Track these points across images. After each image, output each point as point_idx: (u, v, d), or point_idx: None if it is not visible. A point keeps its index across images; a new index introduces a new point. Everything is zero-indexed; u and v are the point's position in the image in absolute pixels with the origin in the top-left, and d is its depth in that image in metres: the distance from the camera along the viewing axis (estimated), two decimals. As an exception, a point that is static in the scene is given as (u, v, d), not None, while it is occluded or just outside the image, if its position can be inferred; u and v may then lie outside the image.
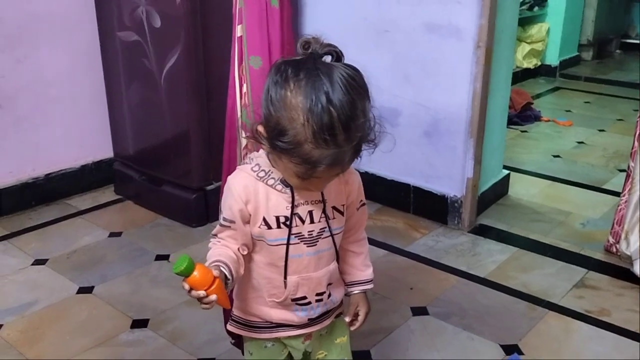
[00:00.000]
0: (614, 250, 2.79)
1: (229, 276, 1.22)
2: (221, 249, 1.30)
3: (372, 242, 2.94)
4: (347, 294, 1.50)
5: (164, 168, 3.17)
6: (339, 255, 1.41)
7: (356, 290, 1.49)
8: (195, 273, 1.12)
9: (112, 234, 3.00)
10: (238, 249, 1.30)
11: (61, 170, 3.36)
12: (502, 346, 2.18)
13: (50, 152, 3.32)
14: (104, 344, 2.20)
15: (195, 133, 2.97)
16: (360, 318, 1.49)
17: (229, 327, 1.46)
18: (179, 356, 2.13)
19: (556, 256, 2.81)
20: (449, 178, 3.07)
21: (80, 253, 2.84)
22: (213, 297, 1.14)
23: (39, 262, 2.75)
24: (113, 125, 3.44)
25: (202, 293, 1.13)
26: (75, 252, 2.84)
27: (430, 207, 3.15)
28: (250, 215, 1.28)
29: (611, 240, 2.80)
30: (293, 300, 1.35)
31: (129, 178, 3.35)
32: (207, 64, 2.90)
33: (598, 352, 2.15)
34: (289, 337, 1.43)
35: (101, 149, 3.51)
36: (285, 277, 1.32)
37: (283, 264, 1.31)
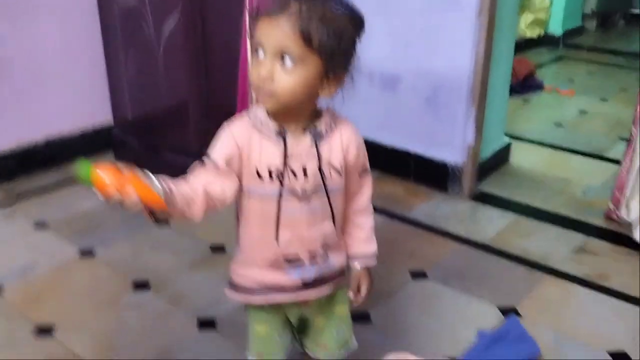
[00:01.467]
0: (614, 217, 2.79)
1: (157, 184, 1.11)
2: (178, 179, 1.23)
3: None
4: (349, 268, 1.48)
5: (163, 135, 3.16)
6: (338, 220, 1.38)
7: (358, 264, 1.47)
8: (98, 172, 1.05)
9: (112, 200, 2.99)
10: (204, 189, 1.23)
11: (61, 136, 3.35)
12: (500, 309, 2.19)
13: (49, 119, 3.30)
14: (106, 306, 2.22)
15: (194, 99, 2.96)
16: (363, 293, 1.48)
17: (227, 292, 1.44)
18: (180, 318, 2.14)
19: (556, 223, 2.82)
20: (449, 145, 3.06)
21: (80, 218, 2.84)
22: (130, 191, 1.06)
23: (39, 226, 2.75)
24: (112, 92, 3.42)
25: (114, 193, 1.06)
26: (76, 217, 2.85)
27: (431, 174, 3.15)
28: (239, 162, 1.26)
29: (611, 207, 2.80)
30: (285, 259, 1.33)
31: (128, 145, 3.34)
32: (206, 28, 2.87)
33: (596, 315, 2.17)
34: (284, 303, 1.42)
35: (100, 116, 3.49)
36: (277, 233, 1.31)
37: (275, 218, 1.30)
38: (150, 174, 1.13)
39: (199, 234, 2.67)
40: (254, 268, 1.38)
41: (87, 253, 2.55)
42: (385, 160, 3.22)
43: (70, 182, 3.19)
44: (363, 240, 1.47)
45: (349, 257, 1.47)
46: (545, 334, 2.05)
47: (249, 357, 1.53)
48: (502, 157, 3.43)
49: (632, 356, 1.96)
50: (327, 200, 1.33)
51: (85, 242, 2.63)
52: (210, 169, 1.27)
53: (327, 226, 1.36)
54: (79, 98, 3.40)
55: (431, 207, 2.98)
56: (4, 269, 2.43)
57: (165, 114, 3.09)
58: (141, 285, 2.33)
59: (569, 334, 2.06)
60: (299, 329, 1.54)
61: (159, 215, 1.15)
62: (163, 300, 2.25)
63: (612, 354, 1.97)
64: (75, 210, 2.90)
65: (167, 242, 2.64)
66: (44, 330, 2.08)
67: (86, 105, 3.44)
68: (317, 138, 1.30)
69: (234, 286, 1.43)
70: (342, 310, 1.52)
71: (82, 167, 1.06)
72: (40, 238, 2.67)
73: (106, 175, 1.06)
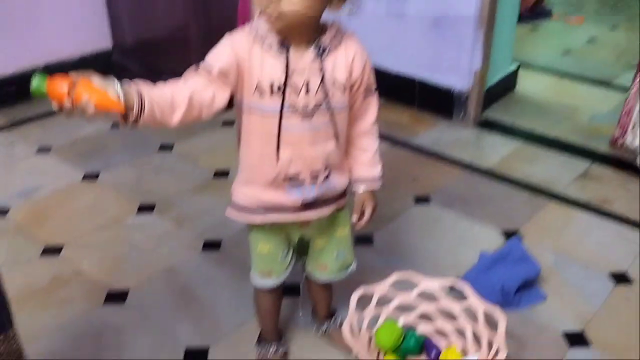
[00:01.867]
0: (620, 143, 2.77)
1: (117, 89, 1.10)
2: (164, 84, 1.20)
3: (375, 135, 2.95)
4: (353, 191, 1.47)
5: (163, 58, 3.11)
6: (341, 140, 1.35)
7: (362, 187, 1.46)
8: (51, 83, 1.04)
9: (114, 124, 2.97)
10: (190, 96, 1.20)
11: (60, 61, 3.29)
12: (502, 232, 2.21)
13: (49, 44, 3.24)
14: (111, 226, 2.24)
15: (193, 21, 2.89)
16: (366, 216, 1.47)
17: (228, 212, 1.44)
18: (185, 239, 2.16)
19: (561, 149, 2.81)
20: (455, 71, 3.01)
21: (83, 142, 2.83)
22: (83, 98, 1.05)
23: (42, 150, 2.75)
24: (111, 16, 3.35)
25: (66, 101, 1.05)
26: (78, 141, 2.84)
27: (436, 101, 3.11)
28: (236, 75, 1.23)
29: (617, 133, 2.77)
30: (286, 178, 1.32)
31: (128, 69, 3.29)
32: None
33: (599, 239, 2.18)
34: (285, 223, 1.41)
35: (100, 40, 3.43)
36: (277, 151, 1.29)
37: (276, 135, 1.27)
38: (114, 80, 1.11)
39: (202, 159, 2.66)
40: (255, 187, 1.36)
41: (90, 176, 2.55)
42: (389, 86, 3.16)
43: (72, 107, 3.16)
44: (367, 163, 1.45)
45: (352, 180, 1.46)
46: (547, 256, 2.07)
47: (253, 277, 1.55)
48: (508, 83, 3.38)
49: (632, 277, 1.98)
50: (330, 119, 1.30)
51: (88, 165, 2.63)
52: (203, 76, 1.24)
53: (330, 146, 1.33)
54: (78, 23, 3.33)
55: (435, 133, 2.96)
56: (9, 191, 2.44)
57: (165, 37, 3.03)
58: (145, 208, 2.34)
59: (570, 256, 2.08)
60: (300, 250, 1.55)
61: (131, 119, 1.13)
62: (167, 222, 2.26)
63: (612, 275, 1.99)
64: (77, 135, 2.88)
65: (169, 167, 2.63)
66: (51, 250, 2.10)
67: (85, 29, 3.37)
68: (321, 53, 1.26)
69: (235, 206, 1.42)
70: (343, 232, 1.53)
71: (37, 80, 1.04)
72: (43, 162, 2.67)
73: (59, 84, 1.05)
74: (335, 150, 1.35)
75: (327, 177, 1.36)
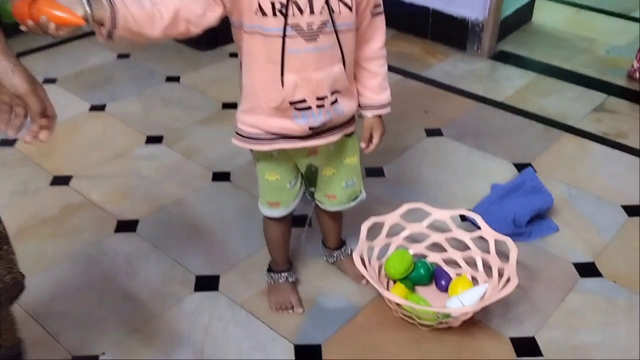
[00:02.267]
0: (637, 76, 2.70)
1: (84, 3, 1.03)
2: None
3: (387, 67, 2.88)
4: (361, 116, 1.43)
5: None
6: (349, 64, 1.29)
7: (370, 113, 1.41)
8: (15, 3, 1.00)
9: (120, 56, 2.92)
10: (176, 9, 1.13)
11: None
12: (515, 165, 2.17)
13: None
14: (120, 157, 2.22)
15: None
16: (375, 141, 1.44)
17: (233, 141, 1.39)
18: (194, 170, 2.15)
19: (577, 81, 2.74)
20: (470, 0, 2.90)
21: (88, 73, 2.78)
22: (42, 16, 1.00)
23: (48, 81, 2.71)
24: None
25: (27, 21, 1.00)
26: (84, 72, 2.79)
27: (449, 32, 3.02)
28: None
29: (635, 65, 2.70)
30: (292, 104, 1.27)
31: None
32: None
33: (612, 171, 2.15)
34: (292, 149, 1.37)
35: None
36: (282, 76, 1.23)
37: (279, 59, 1.21)
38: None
39: (210, 91, 2.62)
40: (260, 115, 1.31)
41: (97, 107, 2.52)
42: (402, 16, 3.06)
43: (78, 37, 3.10)
44: (376, 88, 1.39)
45: (361, 106, 1.41)
46: (560, 187, 2.04)
47: (261, 207, 1.53)
48: (524, 14, 3.27)
49: (645, 210, 1.96)
50: (336, 40, 1.23)
51: (94, 97, 2.59)
52: None
53: (337, 70, 1.27)
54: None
55: (449, 65, 2.89)
56: (15, 122, 2.41)
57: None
58: (153, 139, 2.32)
59: (583, 188, 2.05)
60: (308, 179, 1.53)
61: (104, 34, 1.09)
62: (176, 153, 2.24)
63: (625, 207, 1.97)
64: (83, 66, 2.83)
65: (177, 98, 2.59)
66: (59, 180, 2.09)
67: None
68: None
69: (239, 134, 1.37)
70: (352, 160, 1.49)
71: (3, 3, 1.00)
72: (49, 93, 2.60)
73: (21, 5, 1.00)
74: (342, 74, 1.29)
75: (334, 102, 1.31)
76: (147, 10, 1.11)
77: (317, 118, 1.30)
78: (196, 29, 1.18)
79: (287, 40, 1.20)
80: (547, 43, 3.09)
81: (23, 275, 1.25)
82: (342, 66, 1.28)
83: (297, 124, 1.30)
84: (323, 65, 1.25)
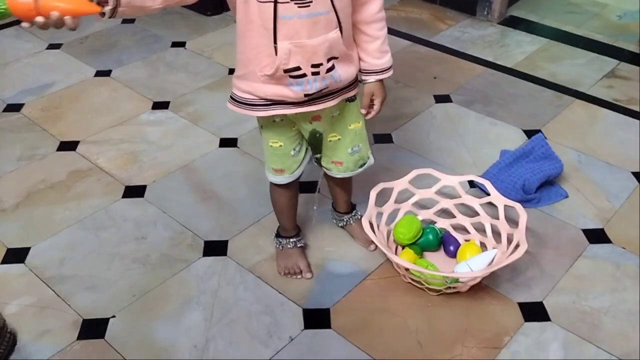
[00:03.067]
0: (650, 41, 2.66)
1: None
2: None
3: (395, 32, 2.84)
4: (362, 82, 1.40)
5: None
6: (346, 29, 1.26)
7: (370, 79, 1.38)
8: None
9: (124, 21, 2.88)
10: None
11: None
12: (525, 131, 2.15)
13: None
14: (126, 122, 2.21)
15: None
16: (376, 107, 1.41)
17: (228, 105, 1.38)
18: (201, 135, 2.14)
19: (588, 47, 2.69)
20: (481, -36, 2.85)
21: (93, 38, 2.75)
22: (53, 12, 0.98)
23: (52, 46, 2.68)
24: None
25: (38, 19, 0.99)
26: (89, 37, 2.76)
27: (459, -4, 2.97)
28: None
29: (649, 30, 2.65)
30: (286, 71, 1.23)
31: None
32: None
33: (623, 138, 2.12)
34: (294, 115, 1.35)
35: None
36: (275, 43, 1.20)
37: (272, 26, 1.18)
38: None
39: (216, 56, 2.59)
40: (254, 82, 1.28)
41: (103, 73, 2.50)
42: (410, -19, 3.02)
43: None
44: (375, 53, 1.35)
45: (361, 71, 1.37)
46: (570, 153, 2.03)
47: (267, 174, 1.53)
48: (535, -21, 3.21)
49: (655, 177, 1.95)
50: (331, 6, 1.19)
51: (100, 62, 2.57)
52: None
53: (333, 36, 1.23)
54: None
55: (458, 31, 2.84)
56: (22, 86, 2.40)
57: None
58: (160, 105, 2.30)
59: (594, 154, 2.04)
60: (314, 146, 1.51)
61: (107, 15, 1.06)
62: (183, 119, 2.23)
63: (635, 174, 1.95)
64: (88, 31, 2.80)
65: (183, 63, 2.57)
66: (66, 145, 2.09)
67: None
68: None
69: (234, 99, 1.35)
70: (357, 126, 1.47)
71: None
72: (54, 58, 2.61)
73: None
74: (339, 40, 1.25)
75: (330, 69, 1.27)
76: None
77: (312, 85, 1.27)
78: None
79: (279, 6, 1.16)
80: (558, 8, 3.04)
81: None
82: (338, 32, 1.24)
83: (292, 90, 1.27)
84: (318, 32, 1.21)
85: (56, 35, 2.75)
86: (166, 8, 1.16)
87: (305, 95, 1.28)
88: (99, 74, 2.50)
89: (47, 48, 2.68)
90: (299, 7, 1.17)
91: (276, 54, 1.21)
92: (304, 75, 1.25)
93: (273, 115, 1.36)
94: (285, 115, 1.36)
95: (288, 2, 1.16)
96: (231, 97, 1.37)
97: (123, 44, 2.71)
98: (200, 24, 2.86)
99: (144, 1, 1.11)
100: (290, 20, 1.18)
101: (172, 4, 1.16)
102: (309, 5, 1.17)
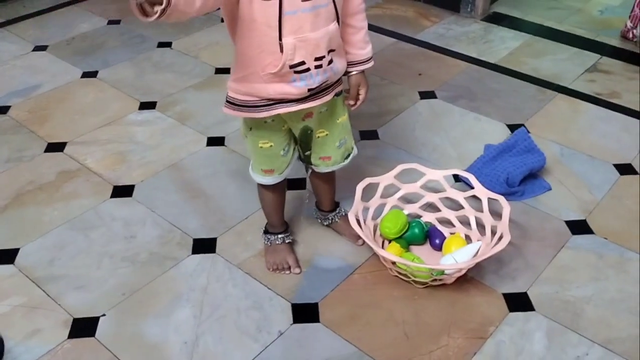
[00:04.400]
0: (631, 35, 2.70)
1: None
2: None
3: (380, 30, 2.87)
4: (346, 74, 1.44)
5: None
6: (340, 21, 1.31)
7: (355, 70, 1.43)
8: None
9: (110, 22, 2.89)
10: None
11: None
12: (508, 125, 2.19)
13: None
14: (114, 123, 2.22)
15: None
16: (362, 97, 1.46)
17: (224, 110, 1.40)
18: (189, 135, 2.15)
19: (570, 42, 2.73)
20: (463, -39, 2.88)
21: (79, 40, 2.76)
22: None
23: (38, 48, 2.68)
24: None
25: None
26: (75, 38, 2.76)
27: (442, -6, 3.00)
28: None
29: (629, 24, 2.69)
30: (291, 67, 1.27)
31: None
32: None
33: (605, 131, 2.16)
34: (287, 114, 1.37)
35: None
36: (280, 39, 1.23)
37: (277, 23, 1.22)
38: None
39: (202, 56, 2.60)
40: (256, 83, 1.31)
41: (89, 74, 2.51)
42: (394, -21, 3.05)
43: (67, 4, 3.06)
44: (360, 43, 1.41)
45: (348, 63, 1.42)
46: (552, 147, 2.06)
47: (253, 175, 1.55)
48: (518, -25, 3.24)
49: (637, 168, 1.98)
50: None
51: (86, 63, 2.57)
52: None
53: (332, 28, 1.28)
54: None
55: (442, 28, 2.87)
56: (8, 89, 2.40)
57: None
58: (147, 105, 2.31)
59: (576, 147, 2.07)
60: (305, 143, 1.54)
61: (163, 10, 1.06)
62: (170, 118, 2.24)
63: (617, 166, 1.99)
64: (74, 33, 2.81)
65: (170, 63, 2.58)
66: (54, 146, 2.09)
67: None
68: None
69: (232, 103, 1.37)
70: (343, 119, 1.52)
71: None
72: (41, 60, 2.61)
73: None
74: (337, 31, 1.31)
75: (330, 61, 1.32)
76: None
77: (315, 79, 1.31)
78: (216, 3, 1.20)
79: (283, 2, 1.20)
80: (540, 4, 3.08)
81: None
82: (337, 24, 1.29)
83: (296, 87, 1.31)
84: (319, 25, 1.26)
85: (42, 37, 2.75)
86: (197, 15, 1.16)
87: (309, 90, 1.32)
88: (86, 75, 2.50)
89: (33, 50, 2.67)
90: (302, 0, 1.21)
91: (281, 50, 1.24)
92: (308, 69, 1.29)
93: (270, 116, 1.38)
94: (278, 114, 1.38)
95: None
96: (228, 101, 1.38)
97: (109, 45, 2.72)
98: (186, 24, 2.86)
99: (187, 6, 1.10)
100: (294, 16, 1.22)
101: (204, 11, 1.16)
102: None
